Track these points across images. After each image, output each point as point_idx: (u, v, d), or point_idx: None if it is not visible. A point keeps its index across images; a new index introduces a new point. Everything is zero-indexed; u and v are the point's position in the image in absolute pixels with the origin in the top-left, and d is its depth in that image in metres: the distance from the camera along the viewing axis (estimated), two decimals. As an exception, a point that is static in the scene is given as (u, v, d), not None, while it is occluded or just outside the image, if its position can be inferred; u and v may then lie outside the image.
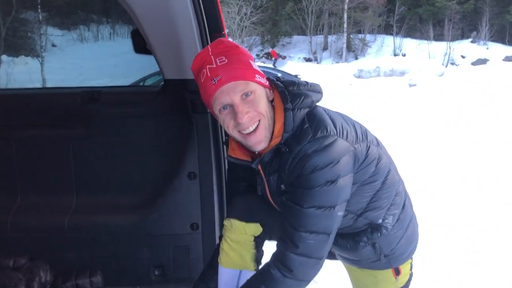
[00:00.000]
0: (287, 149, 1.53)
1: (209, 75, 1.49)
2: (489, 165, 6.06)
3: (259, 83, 1.53)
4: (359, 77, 21.53)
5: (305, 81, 1.62)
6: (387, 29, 35.21)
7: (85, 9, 28.10)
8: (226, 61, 1.49)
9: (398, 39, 33.21)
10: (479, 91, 12.64)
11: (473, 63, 26.38)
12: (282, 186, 1.59)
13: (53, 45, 24.86)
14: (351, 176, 1.54)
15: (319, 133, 1.50)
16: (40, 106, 2.44)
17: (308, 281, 1.58)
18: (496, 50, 29.82)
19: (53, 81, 17.74)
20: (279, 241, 1.59)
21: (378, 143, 1.70)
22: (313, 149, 1.48)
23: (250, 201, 1.78)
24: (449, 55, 29.93)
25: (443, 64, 26.50)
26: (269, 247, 1.88)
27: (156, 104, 2.36)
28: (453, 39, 32.03)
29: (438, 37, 33.83)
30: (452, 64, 28.62)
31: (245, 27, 31.64)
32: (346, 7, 33.06)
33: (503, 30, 35.18)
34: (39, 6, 22.13)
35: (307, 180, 1.48)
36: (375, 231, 1.70)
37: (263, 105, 1.53)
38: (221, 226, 2.31)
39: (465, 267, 3.37)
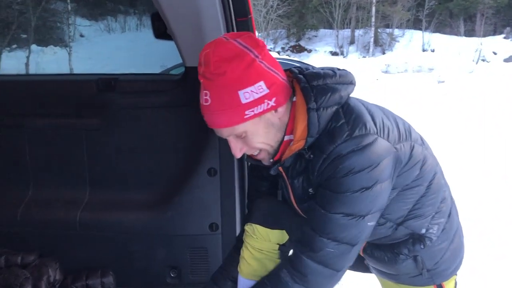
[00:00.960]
0: (312, 155, 1.32)
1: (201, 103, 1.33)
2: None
3: (253, 116, 1.29)
4: (386, 72, 21.09)
5: (333, 71, 1.38)
6: (416, 24, 34.36)
7: (113, 0, 28.26)
8: (209, 101, 1.28)
9: (427, 34, 32.40)
10: (510, 88, 12.26)
11: (506, 60, 25.50)
12: (310, 190, 1.38)
13: (81, 35, 25.09)
14: (389, 182, 1.32)
15: (357, 131, 1.28)
16: (53, 94, 2.29)
17: None
18: (530, 47, 28.76)
19: (80, 71, 17.88)
20: (295, 243, 1.39)
21: (423, 142, 1.48)
22: (349, 150, 1.26)
23: (276, 204, 1.58)
24: (480, 51, 29.03)
25: (473, 61, 25.72)
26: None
27: (176, 94, 2.18)
28: (485, 34, 31.05)
29: (469, 33, 32.82)
30: (483, 60, 27.75)
31: (271, 19, 31.32)
32: (374, 0, 32.41)
33: (539, 26, 34.01)
34: (68, -3, 22.36)
35: (338, 183, 1.27)
36: (418, 243, 1.47)
37: (260, 139, 1.34)
38: (243, 227, 2.15)
39: (489, 261, 3.20)
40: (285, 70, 1.40)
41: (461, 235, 1.62)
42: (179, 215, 2.20)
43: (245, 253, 1.61)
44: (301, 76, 1.38)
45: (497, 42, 30.18)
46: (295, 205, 1.50)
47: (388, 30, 34.44)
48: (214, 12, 1.92)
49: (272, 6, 31.14)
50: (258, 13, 30.13)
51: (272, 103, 1.30)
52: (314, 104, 1.31)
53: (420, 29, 33.38)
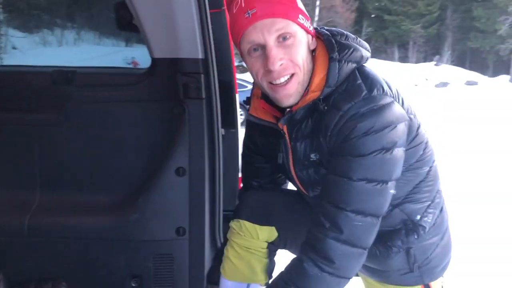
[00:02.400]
0: (326, 107, 1.27)
1: (243, 5, 1.23)
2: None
3: (302, 26, 1.27)
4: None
5: (355, 35, 1.39)
6: (353, 49, 35.93)
7: (49, 13, 27.28)
8: None
9: (364, 59, 33.85)
10: (442, 113, 13.04)
11: (437, 86, 26.95)
12: (312, 155, 1.32)
13: (14, 48, 23.92)
14: (404, 150, 1.30)
15: (375, 90, 1.26)
16: (2, 86, 2.08)
17: (348, 279, 1.29)
18: (458, 74, 30.65)
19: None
20: (313, 226, 1.28)
21: (425, 130, 1.47)
22: (368, 108, 1.23)
23: (265, 199, 1.48)
24: (413, 77, 30.55)
25: (406, 86, 26.98)
26: (283, 257, 1.59)
27: (141, 88, 2.02)
28: (418, 61, 32.90)
29: (403, 59, 34.74)
30: (416, 85, 29.20)
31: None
32: (315, 25, 33.45)
33: (464, 55, 36.75)
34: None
35: (358, 145, 1.22)
36: (411, 233, 1.43)
37: (301, 54, 1.28)
38: (212, 231, 2.01)
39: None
40: None
41: (450, 236, 1.60)
42: (142, 219, 2.02)
43: (230, 252, 1.49)
44: (323, 30, 1.40)
45: (429, 69, 31.96)
46: (292, 171, 1.42)
47: (327, 54, 35.63)
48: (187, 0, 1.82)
49: (215, 26, 31.35)
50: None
51: (311, 30, 1.34)
52: (337, 55, 1.30)
53: (357, 54, 34.82)
